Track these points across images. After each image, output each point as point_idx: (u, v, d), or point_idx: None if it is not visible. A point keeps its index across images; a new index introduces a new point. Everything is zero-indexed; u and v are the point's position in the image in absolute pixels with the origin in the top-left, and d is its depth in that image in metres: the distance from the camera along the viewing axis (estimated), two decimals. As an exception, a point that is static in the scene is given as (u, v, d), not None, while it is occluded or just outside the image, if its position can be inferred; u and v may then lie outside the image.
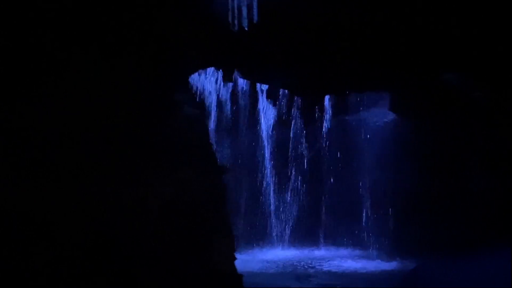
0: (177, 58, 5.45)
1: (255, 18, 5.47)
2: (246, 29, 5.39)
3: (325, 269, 7.31)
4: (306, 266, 7.46)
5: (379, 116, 8.50)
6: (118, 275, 4.33)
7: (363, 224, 8.50)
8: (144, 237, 4.55)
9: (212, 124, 8.17)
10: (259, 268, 7.21)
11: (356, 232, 8.51)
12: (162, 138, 4.98)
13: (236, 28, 5.35)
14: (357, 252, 8.22)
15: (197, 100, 6.66)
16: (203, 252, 4.87)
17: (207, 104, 8.06)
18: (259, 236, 8.79)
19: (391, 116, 8.28)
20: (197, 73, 7.52)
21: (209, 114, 8.12)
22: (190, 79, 7.29)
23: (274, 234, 8.91)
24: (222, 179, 5.45)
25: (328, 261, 7.72)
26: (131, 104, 4.85)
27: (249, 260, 7.63)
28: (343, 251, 8.35)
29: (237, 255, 7.58)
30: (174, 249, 4.68)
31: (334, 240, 8.70)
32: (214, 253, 4.95)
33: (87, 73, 4.60)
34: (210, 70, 7.77)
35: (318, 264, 7.57)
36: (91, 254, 4.27)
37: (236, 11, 5.48)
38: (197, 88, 7.73)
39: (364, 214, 8.53)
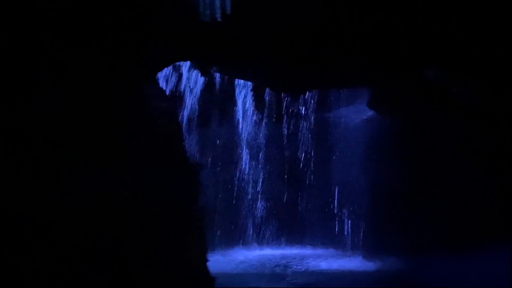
0: (148, 51, 5.46)
1: (228, 8, 5.46)
2: (219, 19, 5.36)
3: (302, 268, 7.47)
4: (283, 266, 7.62)
5: (357, 113, 8.67)
6: (82, 274, 4.38)
7: (342, 222, 8.68)
8: (109, 237, 4.57)
9: (186, 120, 8.21)
10: (235, 269, 7.33)
11: (335, 230, 8.69)
12: (130, 133, 5.00)
13: (207, 18, 5.33)
14: (336, 251, 8.40)
15: (169, 94, 6.66)
16: (173, 254, 4.88)
17: (181, 99, 8.10)
18: (236, 235, 8.91)
19: (369, 113, 8.44)
20: (171, 67, 7.59)
21: (184, 110, 8.15)
22: (163, 73, 7.37)
23: (251, 233, 9.03)
24: (195, 177, 5.47)
25: (307, 260, 7.88)
26: (98, 99, 4.87)
27: (226, 260, 7.77)
28: (322, 250, 8.53)
29: (214, 256, 7.71)
30: (142, 251, 4.70)
31: (313, 239, 8.87)
32: (185, 254, 4.96)
33: (56, 69, 4.63)
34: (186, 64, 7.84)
35: (296, 263, 7.73)
36: (58, 253, 4.31)
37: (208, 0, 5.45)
38: (171, 82, 7.77)
39: (342, 213, 8.72)
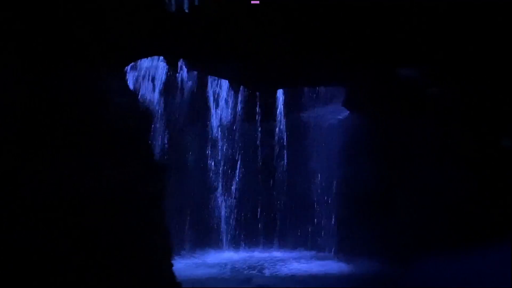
0: (112, 45, 5.27)
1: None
2: (186, 11, 5.19)
3: (274, 271, 7.26)
4: (255, 269, 7.38)
5: (333, 113, 8.51)
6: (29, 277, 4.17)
7: (318, 224, 8.50)
8: (65, 239, 4.37)
9: (156, 118, 7.91)
10: (205, 273, 7.09)
11: (311, 232, 8.51)
12: (90, 130, 4.82)
13: (173, 8, 5.13)
14: (312, 253, 8.22)
15: (134, 90, 6.42)
16: (134, 259, 4.67)
17: (151, 96, 7.82)
18: (208, 237, 8.65)
19: (345, 113, 8.29)
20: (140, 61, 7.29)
21: (153, 107, 7.86)
22: (130, 68, 7.09)
23: (224, 235, 8.79)
24: (159, 177, 5.26)
25: (280, 263, 7.67)
26: (57, 95, 4.73)
27: (196, 264, 7.55)
28: (297, 253, 8.34)
29: (186, 259, 7.57)
30: (101, 254, 4.50)
31: (288, 241, 8.66)
32: (147, 259, 4.75)
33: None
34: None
35: (269, 266, 7.51)
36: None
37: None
38: (139, 78, 7.51)
39: (319, 214, 8.53)
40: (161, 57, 7.11)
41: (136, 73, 7.52)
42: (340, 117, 8.38)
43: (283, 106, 8.86)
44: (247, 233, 8.81)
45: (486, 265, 5.27)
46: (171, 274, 5.01)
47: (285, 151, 8.92)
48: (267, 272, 7.25)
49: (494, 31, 5.71)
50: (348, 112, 8.22)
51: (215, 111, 8.72)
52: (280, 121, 8.90)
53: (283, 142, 8.92)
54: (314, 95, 8.74)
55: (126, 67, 6.47)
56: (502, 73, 6.10)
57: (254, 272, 7.27)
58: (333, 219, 8.33)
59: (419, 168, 7.24)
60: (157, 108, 7.93)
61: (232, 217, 8.86)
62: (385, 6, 5.67)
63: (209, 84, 8.49)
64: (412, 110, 7.26)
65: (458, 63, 6.20)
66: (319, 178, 8.53)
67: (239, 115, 8.77)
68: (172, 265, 5.08)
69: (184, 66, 7.28)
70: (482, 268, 5.24)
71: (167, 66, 7.25)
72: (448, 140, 7.01)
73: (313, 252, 8.28)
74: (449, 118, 6.93)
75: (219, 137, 8.85)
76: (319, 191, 8.57)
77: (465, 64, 6.17)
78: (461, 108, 6.74)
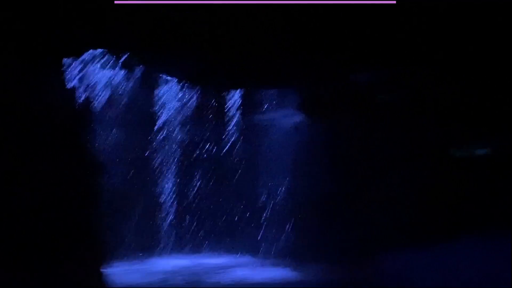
0: (50, 37, 5.06)
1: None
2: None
3: (220, 279, 7.01)
4: (201, 277, 7.10)
5: (288, 116, 8.41)
6: None
7: (269, 229, 8.38)
8: None
9: (96, 115, 7.54)
10: (148, 282, 6.72)
11: (261, 238, 8.37)
12: (22, 127, 4.63)
13: None
14: (259, 259, 8.08)
15: (72, 85, 6.12)
16: (65, 263, 4.47)
17: (93, 91, 7.47)
18: (153, 243, 8.35)
19: (300, 117, 8.23)
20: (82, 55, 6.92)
21: (93, 103, 7.50)
22: (72, 61, 6.73)
23: (169, 240, 8.50)
24: (94, 178, 5.05)
25: (228, 270, 7.46)
26: None
27: (138, 271, 7.25)
28: (246, 259, 8.16)
29: (126, 266, 7.24)
30: (28, 257, 4.32)
31: (237, 246, 8.45)
32: (78, 264, 4.52)
33: None
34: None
35: (216, 273, 7.26)
36: None
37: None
38: (80, 73, 7.15)
39: (267, 219, 8.41)
40: (104, 50, 6.83)
41: (76, 67, 7.14)
42: (295, 120, 8.29)
43: (237, 108, 8.65)
44: (196, 238, 8.55)
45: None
46: (104, 281, 4.81)
47: (237, 153, 8.71)
48: (212, 279, 6.97)
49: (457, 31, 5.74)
50: (302, 115, 8.18)
51: (164, 109, 8.40)
52: (233, 123, 8.70)
53: (236, 144, 8.71)
54: (269, 97, 8.57)
55: (65, 60, 6.16)
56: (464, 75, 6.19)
57: (198, 278, 7.00)
58: (285, 224, 8.22)
59: (374, 171, 7.35)
60: (98, 104, 7.58)
61: (177, 221, 8.57)
62: (343, 7, 5.58)
63: (157, 80, 8.18)
64: (367, 114, 7.35)
65: (415, 67, 6.31)
66: (271, 182, 8.42)
67: (189, 115, 8.50)
68: (103, 272, 4.84)
69: (129, 61, 6.99)
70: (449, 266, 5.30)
71: (110, 60, 6.98)
72: (404, 145, 7.12)
73: (262, 258, 8.11)
74: (405, 123, 7.05)
75: (166, 137, 8.54)
76: (270, 195, 8.45)
77: (422, 67, 6.32)
78: (416, 111, 6.83)
